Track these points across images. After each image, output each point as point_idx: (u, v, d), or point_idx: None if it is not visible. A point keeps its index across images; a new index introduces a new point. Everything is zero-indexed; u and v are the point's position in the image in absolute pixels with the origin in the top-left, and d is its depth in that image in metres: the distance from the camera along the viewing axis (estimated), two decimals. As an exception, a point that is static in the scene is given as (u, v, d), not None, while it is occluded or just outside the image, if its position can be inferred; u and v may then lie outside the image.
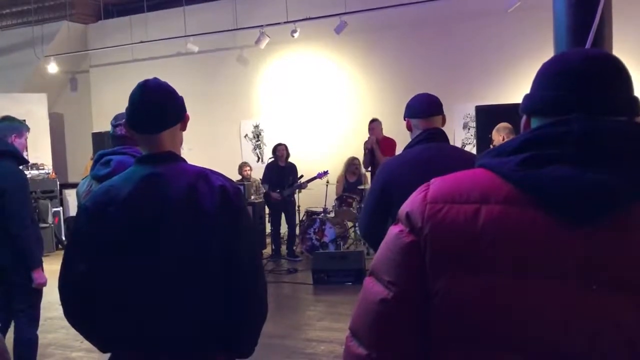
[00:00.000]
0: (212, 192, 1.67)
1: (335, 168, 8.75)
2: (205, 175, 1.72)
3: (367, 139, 7.50)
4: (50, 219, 9.56)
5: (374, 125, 7.54)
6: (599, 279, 0.87)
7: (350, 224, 8.39)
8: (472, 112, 7.93)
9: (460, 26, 8.89)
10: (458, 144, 8.60)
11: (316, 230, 8.04)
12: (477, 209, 0.94)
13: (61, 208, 10.18)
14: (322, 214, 8.19)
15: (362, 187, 8.35)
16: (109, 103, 10.53)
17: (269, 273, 7.41)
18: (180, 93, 1.81)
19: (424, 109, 2.60)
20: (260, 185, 8.72)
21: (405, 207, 1.03)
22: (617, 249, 0.87)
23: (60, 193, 10.25)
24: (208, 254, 1.65)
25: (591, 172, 0.88)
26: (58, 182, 10.16)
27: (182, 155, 1.80)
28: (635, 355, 0.85)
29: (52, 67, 11.00)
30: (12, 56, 11.58)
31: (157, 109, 1.73)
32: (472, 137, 8.62)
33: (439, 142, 2.56)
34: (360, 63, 9.67)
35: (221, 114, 10.48)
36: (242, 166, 9.19)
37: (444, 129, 2.64)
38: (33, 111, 10.41)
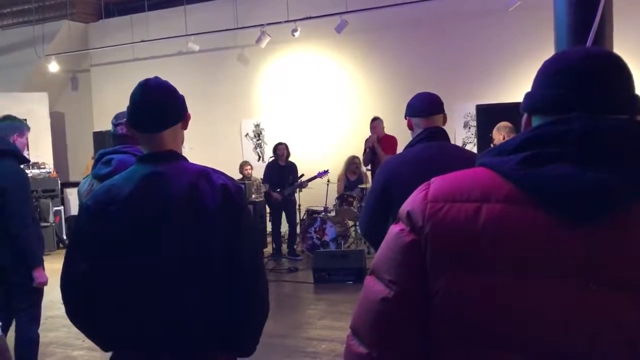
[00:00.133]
0: (214, 191, 1.67)
1: (336, 167, 8.75)
2: (206, 174, 1.71)
3: (368, 137, 7.51)
4: (51, 218, 9.57)
5: (376, 123, 7.55)
6: (599, 278, 0.87)
7: (351, 222, 8.39)
8: (473, 111, 7.94)
9: (461, 25, 8.89)
10: (459, 143, 8.60)
11: (317, 229, 8.04)
12: (478, 208, 0.94)
13: (62, 207, 10.19)
14: (323, 213, 8.19)
15: (362, 185, 8.35)
16: (109, 102, 10.52)
17: (270, 272, 7.41)
18: (181, 92, 1.81)
19: (425, 108, 2.60)
20: (261, 184, 8.72)
21: (406, 206, 1.03)
22: (617, 249, 0.87)
23: (62, 192, 10.26)
24: (209, 253, 1.65)
25: (592, 171, 0.87)
26: (59, 181, 10.17)
27: (184, 154, 1.81)
28: (635, 354, 0.85)
29: (53, 66, 11.00)
30: (13, 55, 11.58)
31: (158, 108, 1.73)
32: (473, 136, 8.62)
33: (440, 141, 2.56)
34: (361, 62, 9.66)
35: (222, 113, 10.48)
36: (243, 165, 9.19)
37: (445, 128, 2.64)
38: (34, 110, 10.41)
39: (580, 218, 0.88)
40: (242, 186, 1.79)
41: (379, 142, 7.40)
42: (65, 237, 9.87)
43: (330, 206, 8.42)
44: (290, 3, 9.29)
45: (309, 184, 8.38)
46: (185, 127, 1.83)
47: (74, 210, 10.17)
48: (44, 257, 3.67)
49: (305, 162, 8.83)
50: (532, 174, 0.91)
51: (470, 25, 8.80)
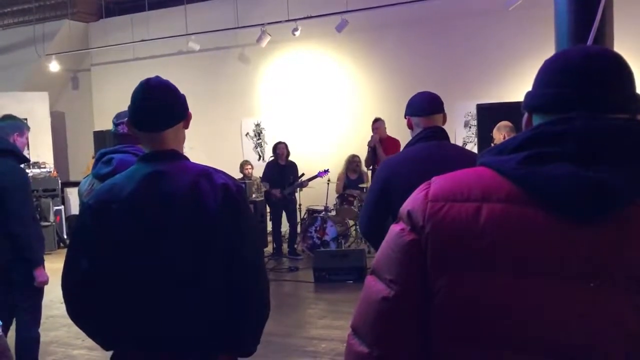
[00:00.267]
0: (215, 190, 1.67)
1: (336, 166, 8.75)
2: (208, 173, 1.71)
3: (370, 138, 7.50)
4: (52, 218, 9.57)
5: (378, 124, 7.54)
6: (599, 277, 0.87)
7: (351, 222, 8.39)
8: (473, 111, 7.93)
9: (462, 24, 8.88)
10: (459, 143, 8.61)
11: (317, 228, 8.04)
12: (478, 208, 0.94)
13: (63, 206, 10.18)
14: (323, 212, 8.19)
15: (363, 185, 8.34)
16: (110, 101, 10.52)
17: (270, 271, 7.41)
18: (181, 91, 1.81)
19: (425, 107, 2.60)
20: (261, 183, 8.72)
21: (406, 206, 1.03)
22: (617, 248, 0.87)
23: (62, 191, 10.26)
24: (210, 252, 1.65)
25: (592, 171, 0.87)
26: (59, 181, 10.17)
27: (184, 154, 1.81)
28: (635, 354, 0.85)
29: (54, 66, 11.01)
30: (13, 55, 11.58)
31: (159, 108, 1.73)
32: (473, 135, 8.62)
33: (440, 141, 2.56)
34: (361, 61, 9.66)
35: (222, 113, 10.48)
36: (243, 164, 9.19)
37: (445, 127, 2.64)
38: (34, 110, 10.42)
39: (580, 217, 0.88)
40: (243, 185, 1.79)
41: (381, 143, 7.39)
42: (65, 237, 9.87)
43: (330, 205, 8.42)
44: (291, 2, 9.29)
45: (310, 183, 8.37)
46: (186, 126, 1.83)
47: (75, 209, 10.17)
48: (45, 257, 3.67)
49: (305, 162, 8.83)
50: (532, 173, 0.91)
51: (471, 24, 8.80)
